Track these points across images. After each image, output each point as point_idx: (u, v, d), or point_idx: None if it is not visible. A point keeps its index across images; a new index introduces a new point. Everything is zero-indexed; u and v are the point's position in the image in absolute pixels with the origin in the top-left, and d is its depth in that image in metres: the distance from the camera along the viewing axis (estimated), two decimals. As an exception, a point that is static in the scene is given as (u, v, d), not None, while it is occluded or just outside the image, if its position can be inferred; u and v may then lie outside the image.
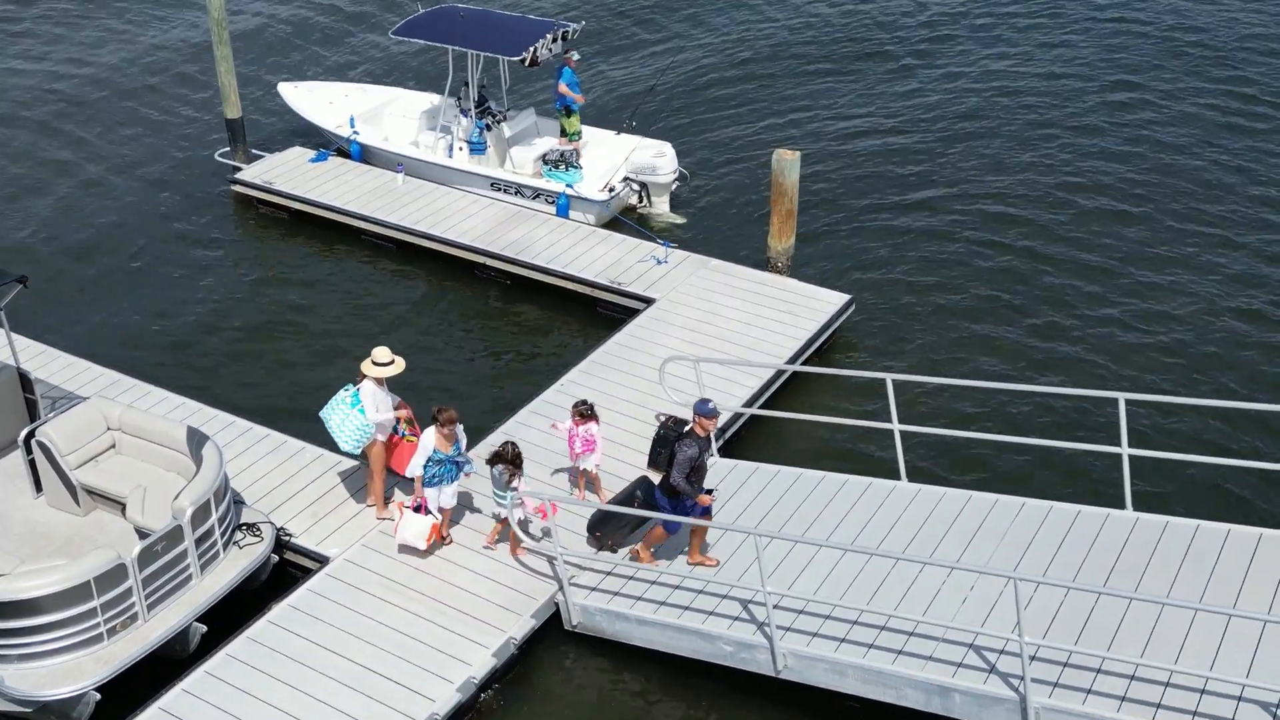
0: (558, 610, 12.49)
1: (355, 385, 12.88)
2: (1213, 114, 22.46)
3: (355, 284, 18.42)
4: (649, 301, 17.05)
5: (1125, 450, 11.96)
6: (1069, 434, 14.46)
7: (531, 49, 19.06)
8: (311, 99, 21.69)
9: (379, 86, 22.74)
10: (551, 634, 12.48)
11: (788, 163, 17.13)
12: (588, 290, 17.62)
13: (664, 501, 11.95)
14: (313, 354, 16.87)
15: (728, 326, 16.36)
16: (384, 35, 24.93)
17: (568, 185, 19.22)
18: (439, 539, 12.81)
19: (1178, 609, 10.78)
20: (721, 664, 11.80)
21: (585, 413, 13.12)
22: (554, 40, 19.46)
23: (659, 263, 17.77)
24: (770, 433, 14.99)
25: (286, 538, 13.14)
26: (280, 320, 17.58)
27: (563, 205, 19.16)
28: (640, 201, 19.82)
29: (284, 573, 13.12)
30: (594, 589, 12.46)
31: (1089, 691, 10.26)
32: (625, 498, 12.81)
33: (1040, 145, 21.72)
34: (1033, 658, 10.49)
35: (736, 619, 11.77)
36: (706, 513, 12.03)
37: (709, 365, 14.67)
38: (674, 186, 19.89)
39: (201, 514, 12.01)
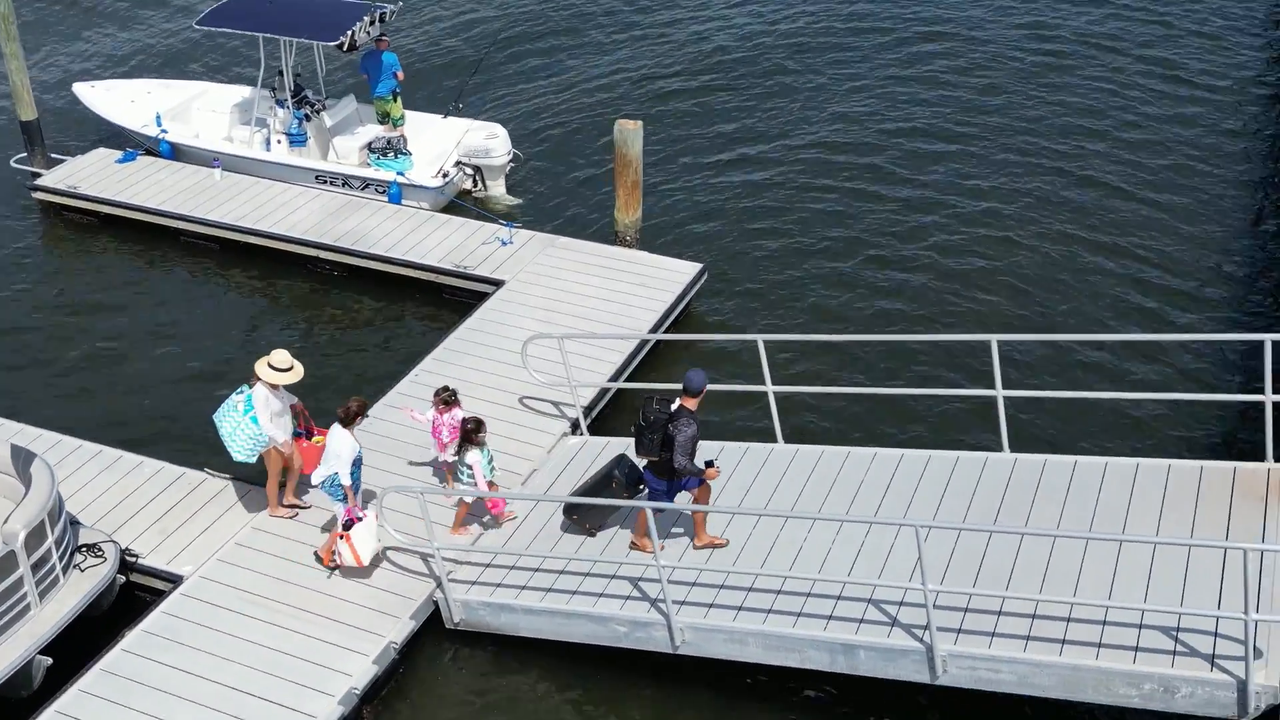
0: (437, 609, 11.85)
1: (249, 388, 11.97)
2: (1016, 54, 22.86)
3: (176, 287, 17.31)
4: (498, 284, 16.45)
5: (1000, 392, 11.96)
6: (943, 380, 14.46)
7: (349, 32, 18.21)
8: (110, 98, 20.31)
9: (183, 81, 21.45)
10: (433, 635, 11.84)
11: (630, 133, 16.72)
12: (432, 277, 16.91)
13: (658, 483, 11.35)
14: (138, 364, 15.75)
15: (582, 304, 15.89)
16: (187, 25, 23.52)
17: (398, 173, 18.45)
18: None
19: (1069, 543, 10.80)
20: (616, 646, 11.35)
21: (449, 399, 12.50)
22: (371, 23, 18.64)
23: (504, 244, 17.18)
24: (633, 404, 14.61)
25: (132, 558, 12.13)
26: (97, 331, 16.37)
27: (394, 194, 18.38)
28: (475, 185, 19.17)
29: (133, 597, 12.14)
30: (474, 583, 11.87)
31: (993, 634, 10.18)
32: (603, 478, 12.05)
33: (854, 96, 21.79)
34: (935, 605, 10.33)
35: (629, 598, 11.35)
36: (703, 488, 11.52)
37: (571, 343, 14.17)
38: (508, 168, 19.30)
39: (35, 537, 10.97)
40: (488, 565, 11.99)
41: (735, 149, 20.40)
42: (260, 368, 11.92)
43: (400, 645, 11.44)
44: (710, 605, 11.07)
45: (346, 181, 18.68)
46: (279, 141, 19.17)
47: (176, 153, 19.44)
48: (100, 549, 11.80)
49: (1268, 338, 11.03)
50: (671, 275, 16.57)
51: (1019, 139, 20.34)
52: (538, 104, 22.00)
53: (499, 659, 11.74)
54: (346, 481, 11.52)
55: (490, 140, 18.99)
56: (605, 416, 14.44)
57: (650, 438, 11.33)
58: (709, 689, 11.31)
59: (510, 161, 19.24)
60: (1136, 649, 9.75)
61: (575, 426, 13.93)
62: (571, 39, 24.25)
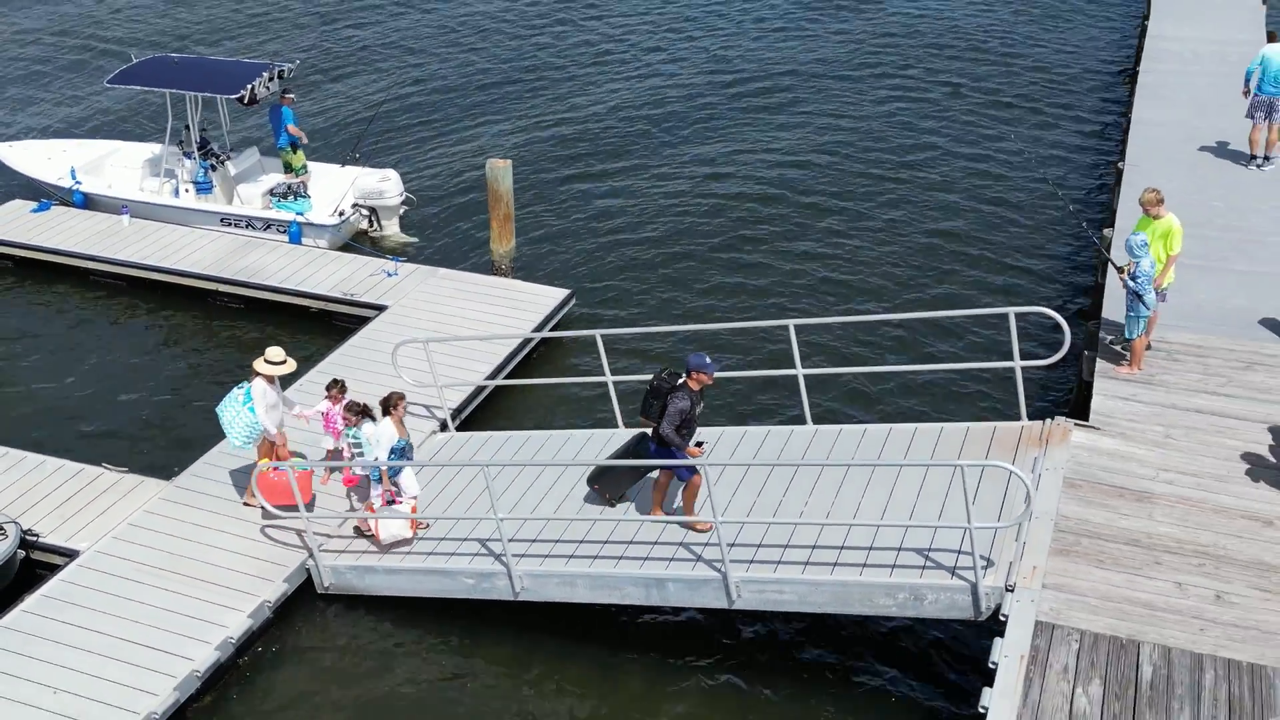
0: (310, 576, 13.31)
1: (248, 383, 13.46)
2: (858, 78, 25.31)
3: (87, 321, 18.75)
4: (381, 309, 18.08)
5: (800, 371, 13.73)
6: (757, 364, 16.35)
7: (249, 86, 19.97)
8: (27, 156, 21.88)
9: (97, 140, 23.08)
10: (307, 599, 13.27)
11: (500, 170, 18.57)
12: (322, 304, 18.51)
13: (656, 451, 12.32)
14: (47, 383, 17.16)
15: (457, 325, 17.52)
16: (97, 85, 25.27)
17: (298, 214, 20.12)
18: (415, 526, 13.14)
19: (850, 486, 12.52)
20: (466, 598, 12.85)
21: (341, 391, 14.00)
22: (270, 79, 20.43)
23: (389, 275, 18.84)
24: (500, 407, 16.27)
25: (33, 537, 13.49)
26: (10, 354, 17.76)
27: (294, 233, 20.00)
28: (371, 226, 20.86)
29: (34, 575, 13.45)
30: (344, 550, 13.34)
31: (779, 562, 11.81)
32: (624, 453, 13.05)
33: (709, 136, 24.05)
34: (731, 544, 11.97)
35: (476, 555, 12.88)
36: (694, 470, 12.27)
37: (442, 354, 15.77)
38: (402, 210, 21.02)
39: (-59, 512, 12.34)
40: (356, 537, 13.48)
41: (602, 185, 22.46)
42: (257, 363, 13.51)
43: (274, 604, 12.86)
44: (546, 555, 12.64)
45: (249, 223, 20.31)
46: (186, 190, 20.81)
47: (90, 203, 21.01)
48: (2, 528, 13.16)
49: (1011, 310, 12.94)
50: (541, 299, 18.27)
51: (854, 157, 23.16)
52: (427, 149, 24.00)
53: (367, 618, 13.15)
54: (384, 464, 12.74)
55: (384, 184, 20.73)
56: (473, 418, 16.04)
57: (653, 403, 12.40)
58: (550, 637, 12.81)
59: (403, 203, 20.98)
60: (894, 566, 11.43)
61: (444, 425, 15.50)
62: (457, 94, 26.52)
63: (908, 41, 29.02)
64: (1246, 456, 12.57)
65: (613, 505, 13.18)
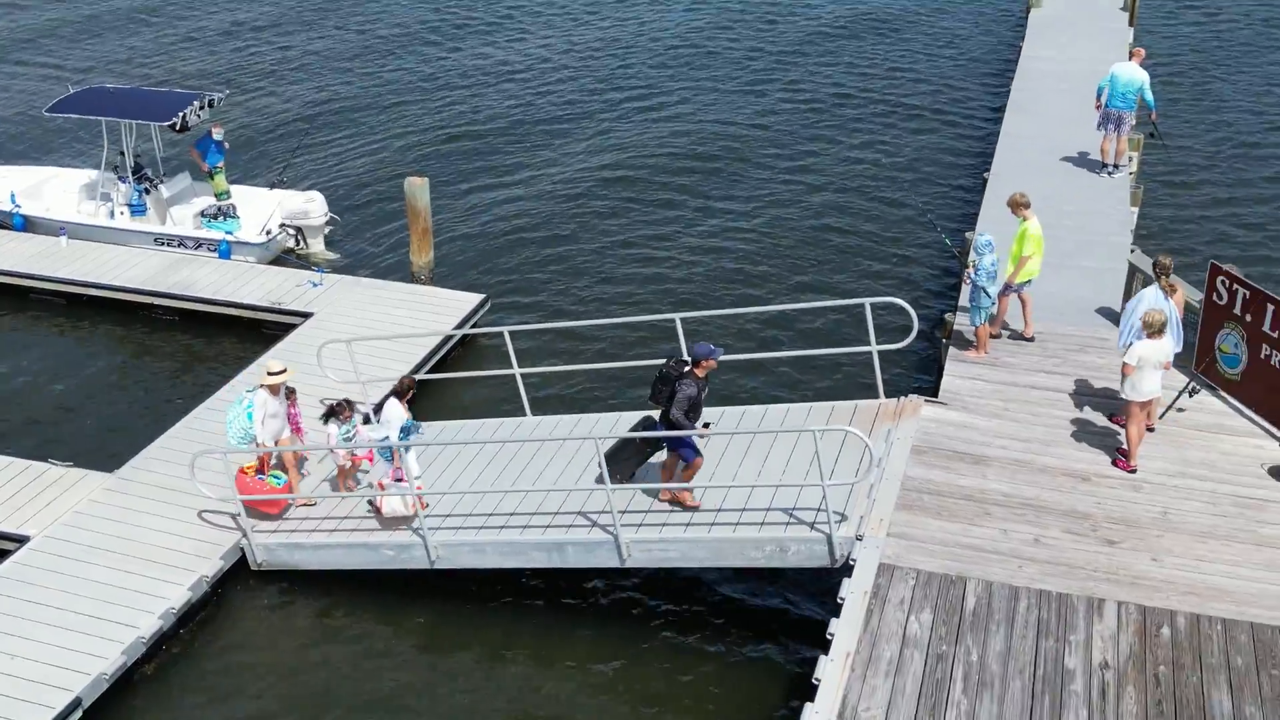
0: (244, 555, 14.67)
1: (252, 391, 14.72)
2: (733, 87, 27.14)
3: (29, 335, 19.92)
4: (307, 316, 19.46)
5: (685, 358, 15.32)
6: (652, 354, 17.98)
7: (181, 114, 21.30)
8: (-34, 181, 22.99)
9: (35, 166, 24.23)
10: (244, 575, 14.62)
11: (418, 187, 20.07)
12: (251, 314, 19.85)
13: (673, 441, 13.29)
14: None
15: (379, 329, 18.92)
16: (37, 112, 26.41)
17: (227, 233, 21.44)
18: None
19: (731, 454, 14.12)
20: (387, 569, 14.28)
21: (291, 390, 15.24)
22: (201, 107, 21.77)
23: (315, 285, 20.22)
24: (420, 404, 17.72)
25: (-16, 527, 14.75)
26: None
27: (224, 250, 21.31)
28: (297, 244, 22.22)
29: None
30: (275, 530, 14.71)
31: (664, 524, 13.38)
32: (626, 439, 13.88)
33: (609, 138, 25.81)
34: (623, 510, 13.52)
35: (396, 529, 14.32)
36: (697, 453, 13.30)
37: (363, 355, 17.21)
38: (326, 229, 22.40)
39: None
40: (286, 518, 14.86)
41: (508, 190, 24.25)
42: (262, 375, 14.71)
43: (211, 578, 14.20)
44: (459, 527, 14.11)
45: (181, 242, 21.59)
46: (121, 212, 22.05)
47: (30, 226, 22.16)
48: (-42, 518, 14.43)
49: (866, 301, 14.66)
50: (458, 304, 19.75)
51: (744, 157, 25.45)
52: (347, 166, 25.51)
53: (297, 592, 14.52)
54: (395, 442, 14.01)
55: (309, 204, 22.10)
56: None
57: (661, 389, 13.41)
58: (461, 603, 14.26)
59: (327, 222, 22.36)
60: (763, 524, 13.04)
61: (366, 419, 16.88)
62: (375, 112, 28.19)
63: (804, 50, 31.04)
64: (1071, 423, 14.36)
65: (623, 483, 13.70)
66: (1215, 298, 14.75)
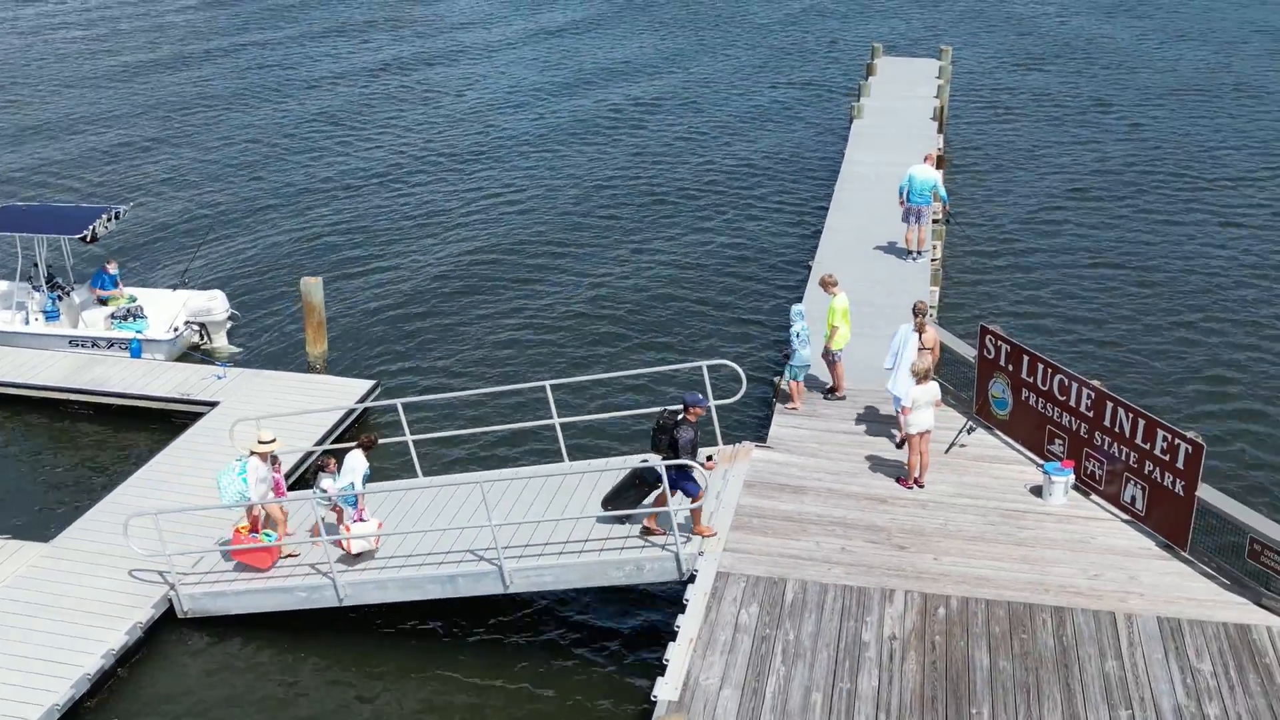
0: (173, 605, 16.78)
1: (245, 457, 16.71)
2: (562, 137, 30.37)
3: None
4: (214, 405, 21.70)
5: (556, 420, 18.05)
6: (527, 416, 20.63)
7: (90, 227, 23.57)
8: (-117, 295, 24.76)
9: (-51, 281, 26.08)
10: (176, 622, 16.70)
11: (312, 285, 22.62)
12: (161, 405, 22.00)
13: (674, 475, 15.24)
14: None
15: (279, 413, 21.28)
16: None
17: (136, 332, 23.62)
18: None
19: (594, 491, 16.79)
20: (300, 609, 16.53)
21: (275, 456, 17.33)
22: (109, 219, 24.06)
23: (220, 378, 22.48)
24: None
25: (-61, 591, 16.63)
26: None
27: (135, 348, 23.45)
28: (202, 339, 24.46)
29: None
30: (200, 581, 16.88)
31: (542, 554, 15.97)
32: (630, 479, 15.74)
33: (480, 221, 28.64)
34: (506, 545, 16.06)
35: (308, 574, 16.62)
36: (695, 486, 15.32)
37: (271, 423, 19.55)
38: (229, 325, 24.69)
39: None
40: (211, 570, 17.04)
41: (396, 282, 26.85)
42: (252, 444, 16.83)
43: (145, 624, 16.28)
44: (363, 568, 16.48)
45: (94, 343, 23.68)
46: (36, 318, 24.07)
47: (-53, 335, 24.01)
48: (-86, 582, 16.31)
49: (704, 364, 17.63)
50: (350, 389, 22.20)
51: (600, 246, 28.27)
52: (248, 268, 27.92)
53: (224, 635, 16.64)
54: (359, 489, 16.25)
55: (211, 302, 24.43)
56: (299, 483, 19.77)
57: (661, 438, 15.40)
58: (371, 639, 16.57)
59: (229, 318, 24.67)
60: (622, 548, 15.73)
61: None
62: (269, 213, 30.82)
63: (654, 151, 34.50)
64: (871, 459, 17.43)
65: (622, 522, 16.02)
66: (985, 353, 18.04)
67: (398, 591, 16.30)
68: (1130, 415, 15.82)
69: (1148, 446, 15.55)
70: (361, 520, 16.51)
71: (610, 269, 27.56)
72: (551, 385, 18.24)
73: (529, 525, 16.51)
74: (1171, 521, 15.36)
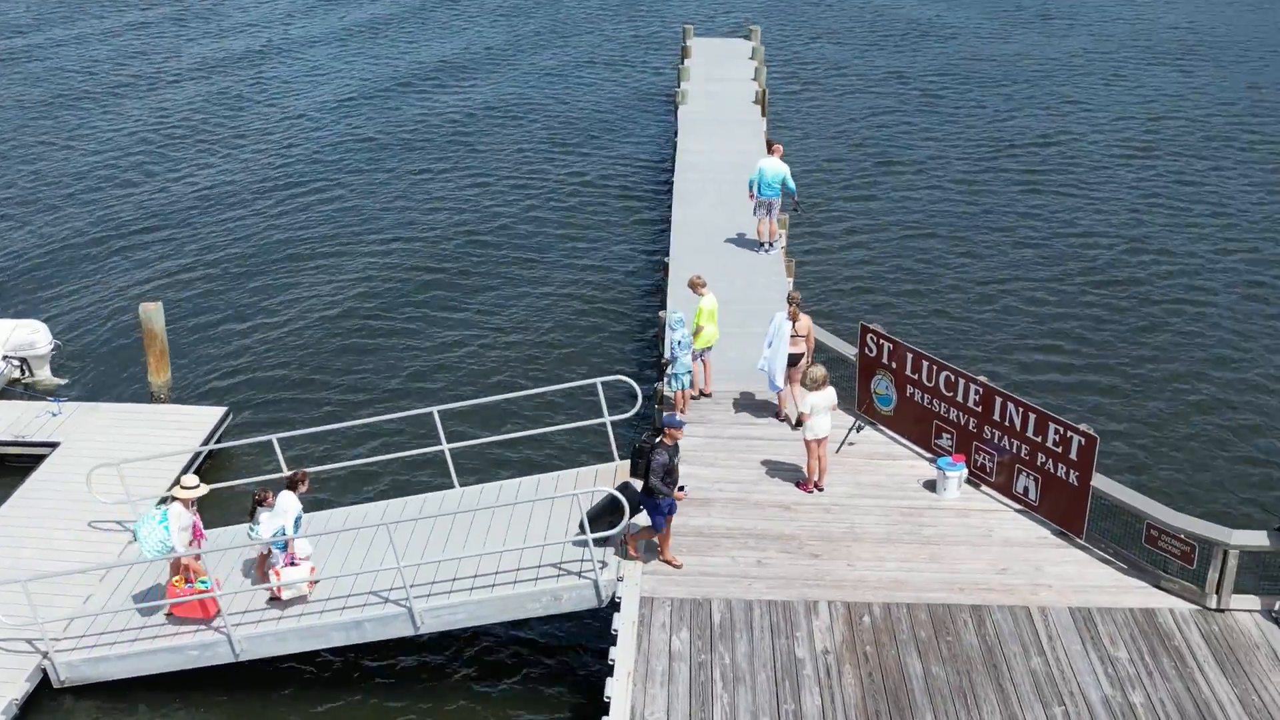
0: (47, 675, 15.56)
1: (166, 505, 15.39)
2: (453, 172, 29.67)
3: None
4: (54, 445, 20.17)
5: (445, 446, 17.46)
6: (412, 444, 19.79)
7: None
8: None
9: None
10: (48, 696, 15.48)
11: (152, 312, 21.25)
12: (-5, 449, 20.38)
13: (647, 500, 14.90)
14: None
15: (128, 449, 19.87)
16: None
17: (-48, 370, 21.76)
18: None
19: (494, 524, 16.32)
20: (194, 668, 15.56)
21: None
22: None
23: (54, 415, 20.91)
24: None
25: None
26: None
27: (-49, 389, 21.62)
28: (23, 374, 22.70)
29: None
30: (75, 647, 15.69)
31: (451, 590, 15.45)
32: (610, 500, 15.18)
33: (335, 259, 27.59)
34: (413, 584, 15.46)
35: (197, 630, 15.64)
36: (673, 510, 15.00)
37: (128, 473, 18.30)
38: (51, 356, 22.98)
39: None
40: (85, 634, 15.85)
41: (243, 302, 25.53)
42: (175, 489, 15.57)
43: (20, 700, 15.04)
44: (259, 620, 15.62)
45: (-99, 385, 21.71)
46: None
47: None
48: None
49: (598, 380, 17.34)
50: (202, 419, 20.98)
51: (457, 271, 27.05)
52: (78, 299, 25.99)
53: (106, 702, 15.54)
54: (291, 533, 15.27)
55: (33, 335, 22.66)
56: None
57: (638, 463, 14.93)
58: (267, 689, 15.73)
59: (52, 350, 22.96)
60: (537, 579, 15.36)
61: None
62: (101, 245, 28.57)
63: (477, 186, 33.81)
64: (768, 464, 17.51)
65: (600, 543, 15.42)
66: (866, 351, 18.33)
67: (299, 642, 15.51)
68: (1020, 409, 16.32)
69: (1039, 439, 16.09)
70: (294, 564, 15.68)
71: (473, 292, 26.49)
72: (439, 411, 17.62)
73: (437, 562, 15.92)
74: (1067, 511, 15.95)
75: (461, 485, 17.78)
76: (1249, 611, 14.65)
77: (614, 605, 14.88)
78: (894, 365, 17.98)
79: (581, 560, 15.51)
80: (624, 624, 14.41)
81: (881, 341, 18.11)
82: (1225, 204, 31.07)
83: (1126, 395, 22.25)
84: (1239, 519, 18.01)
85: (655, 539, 15.54)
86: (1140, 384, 22.61)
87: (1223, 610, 14.62)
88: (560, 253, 28.34)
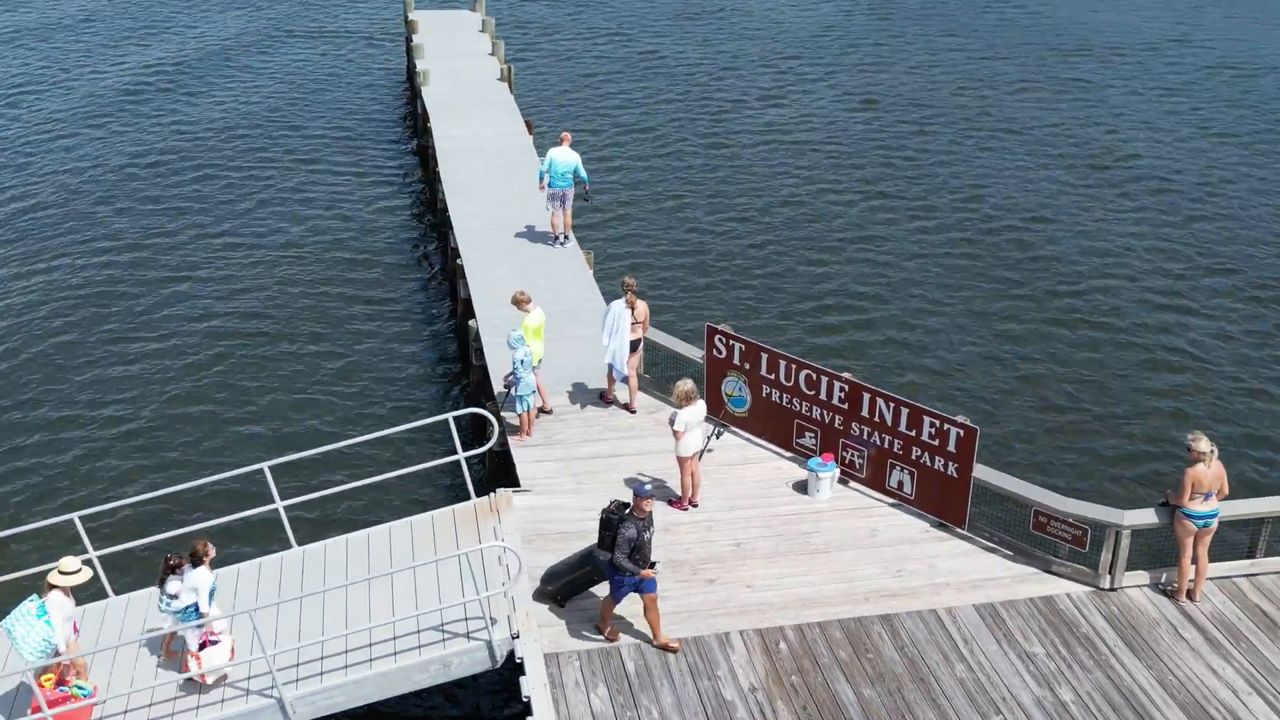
0: None
1: (41, 597, 12.79)
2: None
3: None
4: None
5: (280, 504, 15.54)
6: (241, 505, 17.51)
7: None
8: None
9: None
10: None
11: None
12: None
13: (614, 577, 13.44)
14: None
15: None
16: None
17: None
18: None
19: (359, 591, 14.64)
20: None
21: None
22: None
23: None
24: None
25: None
26: None
27: None
28: None
29: None
30: None
31: (322, 672, 13.74)
32: (576, 561, 14.07)
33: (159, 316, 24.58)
34: (277, 669, 13.66)
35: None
36: (652, 587, 13.44)
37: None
38: None
39: None
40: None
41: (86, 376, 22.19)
42: (52, 576, 13.05)
43: None
44: (99, 737, 13.44)
45: None
46: None
47: None
48: None
49: (450, 415, 15.83)
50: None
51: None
52: None
53: None
54: (205, 609, 13.35)
55: None
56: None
57: (605, 535, 13.46)
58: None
59: None
60: (419, 646, 13.85)
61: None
62: None
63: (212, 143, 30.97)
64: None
65: (561, 604, 14.38)
66: (715, 353, 17.63)
67: (150, 757, 13.48)
68: (892, 404, 16.03)
69: (913, 433, 15.86)
70: (213, 643, 13.66)
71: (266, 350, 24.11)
72: (270, 467, 15.65)
73: (302, 642, 14.13)
74: (947, 502, 15.82)
75: (300, 545, 15.92)
76: (1139, 587, 14.93)
77: (520, 668, 13.60)
78: (747, 366, 17.36)
79: (467, 619, 14.13)
80: (534, 688, 13.18)
81: (731, 342, 17.44)
82: (1078, 169, 32.23)
83: (970, 378, 22.48)
84: (1116, 499, 18.18)
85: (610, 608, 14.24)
86: (983, 368, 22.85)
87: (1115, 589, 14.84)
88: (335, 272, 26.14)
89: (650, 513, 13.52)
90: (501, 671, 14.00)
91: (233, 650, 13.94)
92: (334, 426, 20.49)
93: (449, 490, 18.33)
